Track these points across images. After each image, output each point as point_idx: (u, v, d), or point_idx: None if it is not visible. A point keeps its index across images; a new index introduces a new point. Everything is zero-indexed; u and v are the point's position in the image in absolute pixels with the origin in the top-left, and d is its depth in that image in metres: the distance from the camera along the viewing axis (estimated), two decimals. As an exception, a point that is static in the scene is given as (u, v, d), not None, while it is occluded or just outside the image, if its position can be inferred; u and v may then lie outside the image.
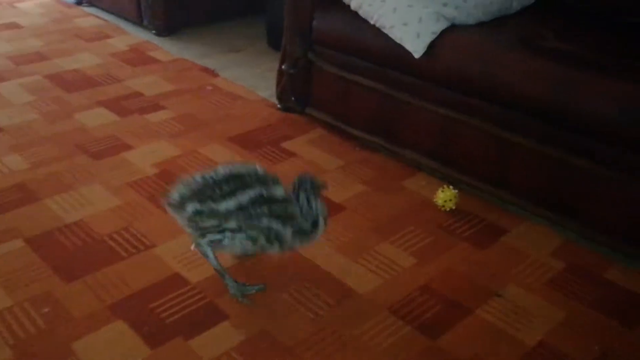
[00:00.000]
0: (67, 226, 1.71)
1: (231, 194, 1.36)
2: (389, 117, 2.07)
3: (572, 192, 1.71)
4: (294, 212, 1.43)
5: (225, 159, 2.07)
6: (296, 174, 1.97)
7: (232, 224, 1.38)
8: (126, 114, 2.36)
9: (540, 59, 1.69)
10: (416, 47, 1.85)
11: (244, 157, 2.09)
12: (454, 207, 1.83)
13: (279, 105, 2.43)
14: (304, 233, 1.45)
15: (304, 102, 2.35)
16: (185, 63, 2.86)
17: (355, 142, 2.20)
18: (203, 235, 1.42)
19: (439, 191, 1.84)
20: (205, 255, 1.46)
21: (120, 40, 3.09)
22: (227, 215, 1.37)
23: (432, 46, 1.84)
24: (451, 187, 1.85)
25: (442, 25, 1.83)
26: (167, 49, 3.01)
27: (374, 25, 1.96)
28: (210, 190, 1.37)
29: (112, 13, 3.44)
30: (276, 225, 1.40)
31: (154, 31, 3.18)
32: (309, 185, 1.45)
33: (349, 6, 2.04)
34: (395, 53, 1.92)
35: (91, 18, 3.39)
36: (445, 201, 1.82)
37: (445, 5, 1.84)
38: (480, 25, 1.88)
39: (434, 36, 1.83)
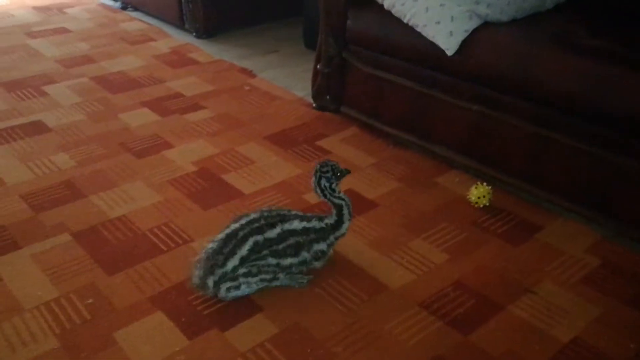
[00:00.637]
0: (111, 221, 1.78)
1: (231, 253, 1.45)
2: (422, 114, 2.08)
3: (607, 188, 1.68)
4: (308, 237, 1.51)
5: (261, 157, 2.12)
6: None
7: (241, 271, 1.46)
8: (167, 114, 2.43)
9: (574, 55, 1.68)
10: (449, 45, 1.85)
11: (279, 155, 2.13)
12: (487, 204, 1.83)
13: (314, 105, 2.46)
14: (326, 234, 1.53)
15: (338, 101, 2.38)
16: (224, 64, 2.93)
17: (389, 140, 2.22)
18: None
19: (473, 188, 1.84)
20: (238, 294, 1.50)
21: (162, 43, 3.18)
22: (234, 270, 1.45)
23: (464, 44, 1.85)
24: (485, 183, 1.84)
25: (474, 23, 1.83)
26: (206, 50, 3.09)
27: (406, 24, 1.98)
28: (214, 259, 1.45)
29: (155, 17, 3.54)
30: (291, 259, 1.50)
31: (194, 34, 3.26)
32: (331, 170, 1.51)
33: (382, 6, 2.06)
34: (428, 51, 1.93)
35: (135, 22, 3.50)
36: (478, 198, 1.82)
37: (477, 3, 1.84)
38: (513, 22, 1.87)
39: (467, 34, 1.83)
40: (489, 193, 1.83)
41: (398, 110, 2.16)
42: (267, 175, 2.02)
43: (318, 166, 1.52)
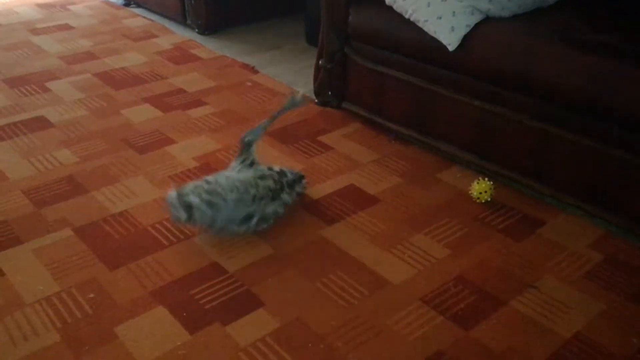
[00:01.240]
0: (113, 216, 1.78)
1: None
2: (424, 110, 2.08)
3: (610, 183, 1.68)
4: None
5: (263, 153, 2.11)
6: (331, 166, 2.01)
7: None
8: (169, 110, 2.43)
9: (576, 51, 1.67)
10: (450, 40, 1.85)
11: (282, 150, 2.13)
12: (489, 199, 1.82)
13: (316, 100, 2.46)
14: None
15: (340, 96, 2.37)
16: (226, 60, 2.93)
17: (391, 135, 2.21)
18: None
19: (475, 183, 1.84)
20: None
21: (165, 40, 3.18)
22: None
23: (466, 39, 1.84)
24: (486, 179, 1.84)
25: (476, 19, 1.83)
26: (209, 47, 3.09)
27: (408, 20, 1.97)
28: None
29: (157, 13, 3.54)
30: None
31: (196, 30, 3.26)
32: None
33: (383, 1, 2.06)
34: (430, 46, 1.93)
35: (138, 18, 3.50)
36: (480, 193, 1.82)
37: (481, -2, 1.83)
38: (515, 18, 1.87)
39: (468, 29, 1.83)
40: (490, 188, 1.82)
41: (400, 105, 2.15)
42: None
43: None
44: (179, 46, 3.09)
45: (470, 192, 1.85)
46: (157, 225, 1.74)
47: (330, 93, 2.38)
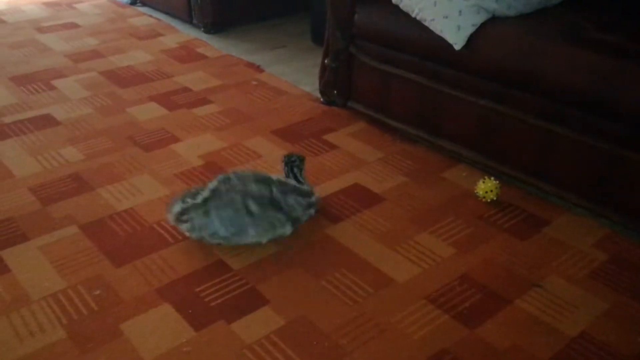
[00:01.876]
0: (118, 214, 1.79)
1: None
2: (430, 109, 2.08)
3: (615, 182, 1.67)
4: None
5: (268, 151, 2.12)
6: (336, 165, 2.02)
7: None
8: (175, 108, 2.44)
9: (582, 50, 1.66)
10: (457, 40, 1.85)
11: (287, 149, 2.14)
12: (494, 198, 1.82)
13: (321, 99, 2.46)
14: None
15: (345, 95, 2.37)
16: (232, 59, 2.93)
17: (396, 134, 2.21)
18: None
19: (480, 182, 1.84)
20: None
21: (170, 38, 3.19)
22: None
23: (472, 38, 1.84)
24: (492, 178, 1.84)
25: (482, 18, 1.83)
26: (214, 45, 3.09)
27: (414, 19, 1.97)
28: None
29: (163, 12, 3.55)
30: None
31: (202, 29, 3.27)
32: (297, 159, 1.78)
33: (389, 0, 2.05)
34: (436, 46, 1.93)
35: (144, 17, 3.51)
36: (486, 192, 1.82)
37: (487, -3, 1.83)
38: (521, 17, 1.86)
39: (474, 28, 1.83)
40: (496, 187, 1.82)
41: (406, 104, 2.15)
42: (274, 169, 2.02)
43: (287, 158, 1.78)
44: (185, 45, 3.10)
45: (475, 191, 1.85)
46: (163, 223, 1.75)
47: (335, 92, 2.39)
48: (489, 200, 1.83)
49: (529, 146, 1.84)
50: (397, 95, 2.17)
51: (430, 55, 1.99)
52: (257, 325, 1.41)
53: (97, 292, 1.50)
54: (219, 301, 1.48)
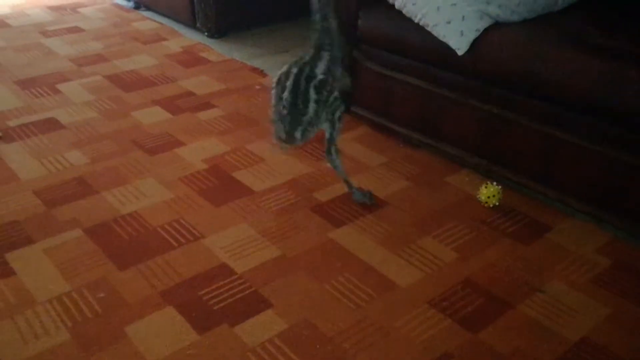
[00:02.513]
0: (123, 217, 1.80)
1: (305, 99, 1.69)
2: (433, 113, 2.08)
3: (618, 188, 1.68)
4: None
5: (271, 155, 2.13)
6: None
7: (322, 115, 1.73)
8: (179, 112, 2.45)
9: (586, 55, 1.67)
10: (460, 45, 1.86)
11: (290, 153, 2.14)
12: (497, 203, 1.83)
13: (325, 104, 2.47)
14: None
15: (349, 100, 2.38)
16: (235, 64, 2.94)
17: (399, 139, 2.22)
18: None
19: (483, 187, 1.84)
20: (334, 165, 1.81)
21: (174, 43, 3.20)
22: (317, 114, 1.70)
23: (475, 43, 1.85)
24: (495, 183, 1.84)
25: (485, 23, 1.84)
26: (218, 50, 3.11)
27: (417, 24, 1.98)
28: (296, 110, 1.69)
29: (167, 16, 3.57)
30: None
31: (206, 33, 3.28)
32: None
33: (393, 5, 2.07)
34: (439, 51, 1.94)
35: (148, 21, 3.53)
36: (488, 197, 1.82)
37: (488, 3, 1.83)
38: (525, 22, 1.87)
39: (478, 33, 1.83)
40: (498, 192, 1.83)
41: (409, 109, 2.16)
42: (277, 173, 2.03)
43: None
44: (189, 49, 3.11)
45: (478, 196, 1.85)
46: (166, 226, 1.76)
47: (338, 96, 2.39)
48: (491, 205, 1.83)
49: (532, 151, 1.84)
50: (400, 100, 2.18)
51: (433, 60, 2.00)
52: (260, 329, 1.42)
53: (102, 294, 1.51)
54: (222, 304, 1.48)
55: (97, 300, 1.49)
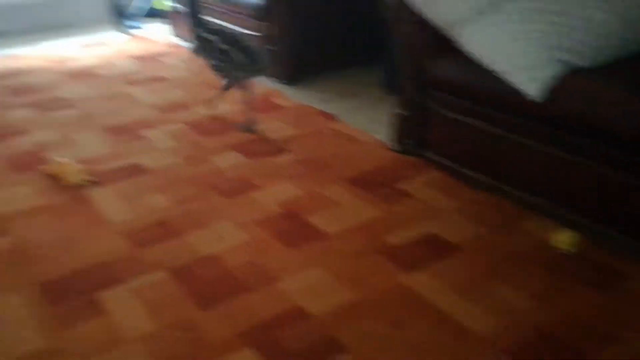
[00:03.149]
0: (203, 259, 1.88)
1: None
2: (505, 159, 2.08)
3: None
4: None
5: (344, 199, 2.18)
6: (411, 214, 2.04)
7: None
8: (254, 157, 2.55)
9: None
10: (535, 92, 1.86)
11: (361, 197, 2.19)
12: (573, 250, 1.80)
13: (395, 148, 2.51)
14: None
15: (419, 144, 2.42)
16: (307, 109, 3.04)
17: (472, 184, 2.22)
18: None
19: (558, 233, 1.82)
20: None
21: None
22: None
23: (550, 90, 1.85)
24: (571, 229, 1.82)
25: (559, 69, 1.84)
26: (290, 96, 3.22)
27: (489, 70, 2.00)
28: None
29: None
30: None
31: (279, 80, 3.41)
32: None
33: (464, 52, 2.10)
34: (512, 97, 1.95)
35: (224, 69, 3.70)
36: (563, 243, 1.80)
37: (562, 49, 1.84)
38: (600, 68, 1.86)
39: (552, 80, 1.84)
40: (574, 238, 1.80)
41: (481, 154, 2.17)
42: (349, 217, 2.08)
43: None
44: (263, 95, 3.25)
45: (553, 242, 1.83)
46: (244, 269, 1.82)
47: (409, 141, 2.43)
48: (566, 252, 1.80)
49: (609, 198, 1.81)
50: (472, 145, 2.19)
51: (506, 106, 2.01)
52: (335, 373, 1.44)
53: (184, 334, 1.57)
54: (298, 346, 1.51)
55: (179, 339, 1.56)
